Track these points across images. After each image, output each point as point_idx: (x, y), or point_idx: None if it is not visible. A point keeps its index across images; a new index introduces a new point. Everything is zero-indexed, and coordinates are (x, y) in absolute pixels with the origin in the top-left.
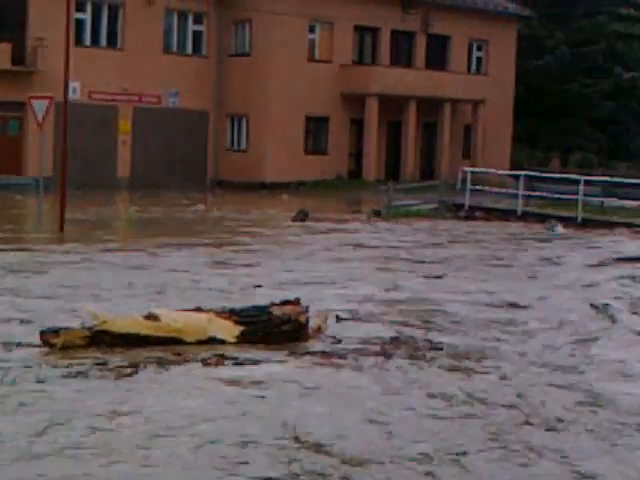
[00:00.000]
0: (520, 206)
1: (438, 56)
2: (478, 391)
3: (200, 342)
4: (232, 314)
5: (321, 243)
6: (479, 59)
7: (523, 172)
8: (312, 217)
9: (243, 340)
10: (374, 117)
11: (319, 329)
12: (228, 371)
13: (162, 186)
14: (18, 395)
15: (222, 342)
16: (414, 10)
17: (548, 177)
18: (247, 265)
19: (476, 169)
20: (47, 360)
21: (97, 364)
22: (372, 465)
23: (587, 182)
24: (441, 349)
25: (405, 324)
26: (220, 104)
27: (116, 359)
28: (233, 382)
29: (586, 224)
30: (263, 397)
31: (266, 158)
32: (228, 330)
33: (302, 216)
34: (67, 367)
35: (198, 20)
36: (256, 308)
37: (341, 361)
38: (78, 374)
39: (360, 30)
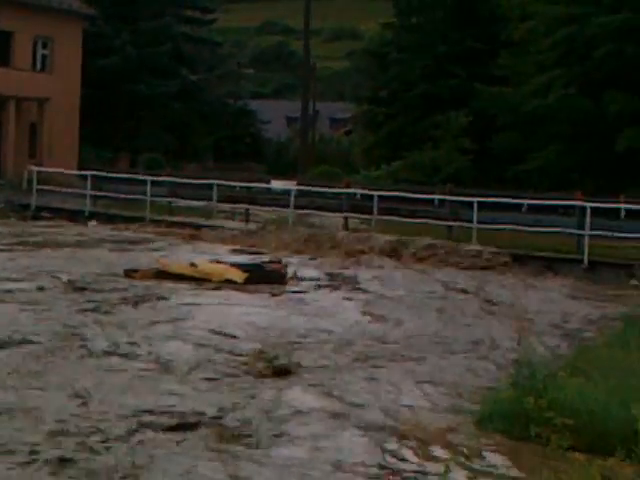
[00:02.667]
0: (88, 206)
1: (1, 52)
2: None
3: (220, 281)
4: (239, 266)
5: None
6: (44, 57)
7: (91, 172)
8: None
9: (247, 282)
10: None
11: (292, 278)
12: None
13: None
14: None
15: (234, 282)
16: None
17: (116, 177)
18: None
19: (43, 169)
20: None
21: (194, 287)
22: None
23: (154, 183)
24: None
25: None
26: None
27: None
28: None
29: (156, 223)
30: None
31: None
32: (238, 275)
33: None
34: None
35: None
36: (254, 264)
37: None
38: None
39: None
